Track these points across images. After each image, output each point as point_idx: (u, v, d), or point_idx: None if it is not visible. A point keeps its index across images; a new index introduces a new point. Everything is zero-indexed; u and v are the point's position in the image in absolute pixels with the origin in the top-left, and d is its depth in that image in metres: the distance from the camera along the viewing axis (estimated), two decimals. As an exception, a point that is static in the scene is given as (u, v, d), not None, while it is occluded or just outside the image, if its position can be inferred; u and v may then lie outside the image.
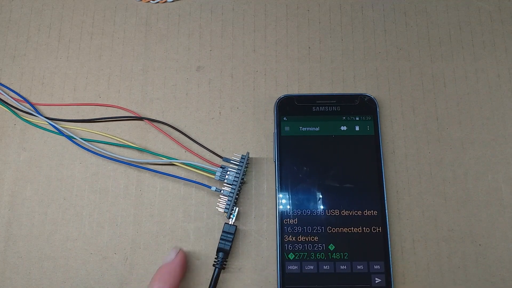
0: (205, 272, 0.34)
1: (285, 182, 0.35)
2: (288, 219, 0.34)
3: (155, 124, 0.37)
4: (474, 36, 0.39)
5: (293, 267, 0.33)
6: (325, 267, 0.33)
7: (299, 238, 0.34)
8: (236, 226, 0.34)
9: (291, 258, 0.33)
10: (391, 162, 0.36)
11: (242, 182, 0.35)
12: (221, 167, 0.35)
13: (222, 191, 0.34)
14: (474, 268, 0.34)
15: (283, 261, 0.33)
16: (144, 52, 0.39)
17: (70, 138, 0.37)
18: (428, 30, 0.39)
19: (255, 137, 0.37)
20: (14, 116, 0.38)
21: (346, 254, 0.33)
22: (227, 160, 0.35)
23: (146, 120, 0.37)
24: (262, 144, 0.37)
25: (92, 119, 0.37)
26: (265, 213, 0.35)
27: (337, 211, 0.34)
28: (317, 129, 0.36)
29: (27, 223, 0.35)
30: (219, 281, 0.33)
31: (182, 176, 0.36)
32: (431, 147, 0.36)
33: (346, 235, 0.33)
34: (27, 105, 0.38)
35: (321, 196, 0.34)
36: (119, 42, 0.39)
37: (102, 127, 0.37)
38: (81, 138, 0.36)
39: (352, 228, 0.34)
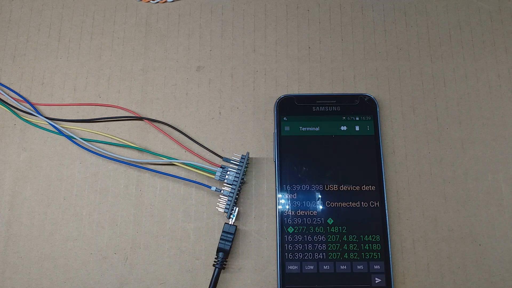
0: (205, 272, 0.34)
1: (285, 182, 0.35)
2: (288, 196, 0.34)
3: (155, 124, 0.37)
4: (474, 36, 0.39)
5: (293, 267, 0.33)
6: (325, 267, 0.33)
7: (298, 212, 0.34)
8: (236, 226, 0.34)
9: (290, 232, 0.33)
10: (391, 162, 0.36)
11: (242, 182, 0.35)
12: (221, 167, 0.35)
13: (222, 191, 0.34)
14: (474, 268, 0.34)
15: (283, 261, 0.33)
16: (144, 52, 0.39)
17: (70, 138, 0.37)
18: (428, 30, 0.39)
19: (255, 137, 0.37)
20: (14, 116, 0.38)
21: (344, 228, 0.33)
22: (227, 160, 0.35)
23: (146, 120, 0.37)
24: (262, 144, 0.37)
25: (92, 119, 0.37)
26: (265, 213, 0.35)
27: (336, 188, 0.34)
28: (317, 129, 0.36)
29: (27, 223, 0.35)
30: (219, 281, 0.33)
31: (182, 176, 0.36)
32: (431, 147, 0.36)
33: (344, 209, 0.34)
34: (27, 105, 0.38)
35: (320, 196, 0.34)
36: (119, 42, 0.39)
37: (102, 127, 0.37)
38: (81, 138, 0.36)
39: (351, 202, 0.34)
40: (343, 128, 0.36)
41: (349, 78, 0.38)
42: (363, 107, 0.37)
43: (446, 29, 0.39)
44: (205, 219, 0.35)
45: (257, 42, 0.39)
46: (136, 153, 0.37)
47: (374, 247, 0.33)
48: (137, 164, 0.36)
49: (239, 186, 0.34)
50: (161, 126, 0.37)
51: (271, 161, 0.36)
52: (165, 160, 0.35)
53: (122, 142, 0.36)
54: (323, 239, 0.33)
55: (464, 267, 0.34)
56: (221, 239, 0.33)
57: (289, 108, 0.37)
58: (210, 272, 0.34)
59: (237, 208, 0.34)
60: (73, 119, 0.37)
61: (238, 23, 0.40)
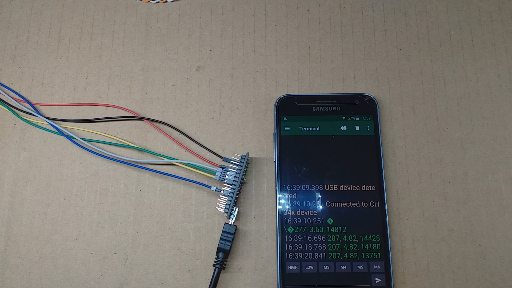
0: (205, 272, 0.34)
1: (285, 182, 0.35)
2: (288, 196, 0.34)
3: (155, 124, 0.37)
4: (474, 36, 0.39)
5: (293, 267, 0.33)
6: (325, 267, 0.33)
7: (298, 212, 0.34)
8: (236, 226, 0.34)
9: (290, 232, 0.33)
10: (391, 162, 0.36)
11: (242, 182, 0.35)
12: (221, 167, 0.35)
13: (222, 191, 0.34)
14: (474, 268, 0.34)
15: (283, 261, 0.33)
16: (144, 52, 0.39)
17: (70, 138, 0.37)
18: (428, 30, 0.39)
19: (255, 137, 0.37)
20: (14, 116, 0.38)
21: (344, 228, 0.33)
22: (227, 160, 0.35)
23: (146, 120, 0.37)
24: (262, 144, 0.37)
25: (92, 119, 0.37)
26: (265, 213, 0.35)
27: (336, 188, 0.34)
28: (317, 129, 0.36)
29: (27, 223, 0.35)
30: (219, 281, 0.33)
31: (182, 176, 0.36)
32: (431, 147, 0.36)
33: (344, 209, 0.34)
34: (27, 105, 0.38)
35: (320, 196, 0.34)
36: (119, 42, 0.39)
37: (102, 127, 0.37)
38: (81, 138, 0.36)
39: (350, 202, 0.34)
40: (343, 128, 0.36)
41: (349, 78, 0.38)
42: (363, 107, 0.37)
43: (446, 29, 0.39)
44: (205, 219, 0.35)
45: (257, 42, 0.39)
46: (136, 153, 0.37)
47: (374, 247, 0.33)
48: (137, 164, 0.36)
49: (239, 186, 0.34)
50: (161, 126, 0.37)
51: (271, 161, 0.36)
52: (165, 160, 0.35)
53: (122, 142, 0.36)
54: (323, 239, 0.33)
55: (464, 267, 0.34)
56: (221, 239, 0.33)
57: (289, 108, 0.37)
58: (210, 272, 0.34)
59: (237, 208, 0.34)
60: (73, 119, 0.37)
61: (238, 23, 0.40)
